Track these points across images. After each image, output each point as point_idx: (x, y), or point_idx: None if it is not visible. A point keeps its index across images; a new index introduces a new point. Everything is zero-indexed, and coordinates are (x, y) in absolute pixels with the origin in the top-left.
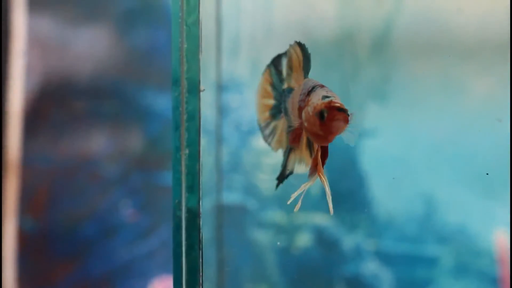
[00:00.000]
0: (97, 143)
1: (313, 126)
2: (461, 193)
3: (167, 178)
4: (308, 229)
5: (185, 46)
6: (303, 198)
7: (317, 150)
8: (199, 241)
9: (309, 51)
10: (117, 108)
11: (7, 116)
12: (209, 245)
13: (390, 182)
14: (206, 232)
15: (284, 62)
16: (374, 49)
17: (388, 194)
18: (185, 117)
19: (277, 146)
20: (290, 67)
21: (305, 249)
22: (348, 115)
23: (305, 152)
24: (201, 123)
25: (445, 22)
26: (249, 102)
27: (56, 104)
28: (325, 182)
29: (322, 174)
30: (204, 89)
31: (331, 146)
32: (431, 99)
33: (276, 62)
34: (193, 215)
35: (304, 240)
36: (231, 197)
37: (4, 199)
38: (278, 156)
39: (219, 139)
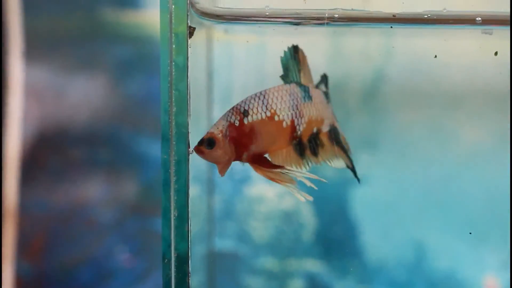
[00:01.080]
0: (92, 189)
1: None
2: (451, 239)
3: None
4: (300, 275)
5: (174, 109)
6: (294, 245)
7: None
8: None
9: None
10: (112, 155)
11: (4, 163)
12: None
13: (380, 228)
14: (199, 279)
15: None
16: (364, 99)
17: (378, 241)
18: (174, 179)
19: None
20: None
21: None
22: (202, 146)
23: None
24: (195, 171)
25: (434, 73)
26: None
27: (52, 152)
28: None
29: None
30: (192, 152)
31: (323, 194)
32: (420, 147)
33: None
34: (183, 274)
35: (296, 286)
36: (223, 244)
37: (1, 245)
38: (270, 204)
39: (211, 188)
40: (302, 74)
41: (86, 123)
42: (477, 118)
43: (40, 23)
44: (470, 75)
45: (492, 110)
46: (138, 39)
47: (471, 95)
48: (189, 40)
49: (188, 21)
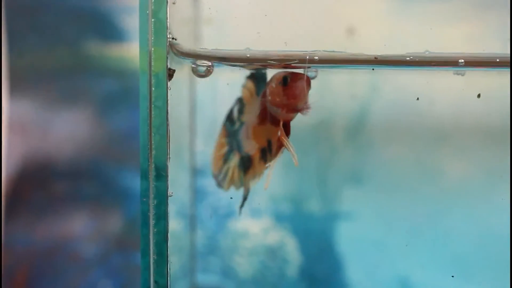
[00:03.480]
0: (77, 224)
1: (277, 95)
2: (437, 276)
3: None
4: None
5: (154, 153)
6: (279, 281)
7: (280, 125)
8: None
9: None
10: (97, 190)
11: None
12: None
13: (366, 265)
14: None
15: (235, 108)
16: (350, 135)
17: (364, 277)
18: (153, 222)
19: (229, 185)
20: (241, 105)
21: None
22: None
23: (258, 167)
24: (178, 206)
25: (419, 110)
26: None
27: (36, 187)
28: (287, 143)
29: (285, 137)
30: (172, 194)
31: (308, 229)
32: (406, 183)
33: (229, 114)
34: None
35: None
36: (207, 280)
37: None
38: (255, 240)
39: (194, 223)
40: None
41: (70, 157)
42: (463, 154)
43: (24, 57)
44: (454, 112)
45: (479, 146)
46: (122, 73)
47: (457, 131)
48: (169, 83)
49: (168, 63)
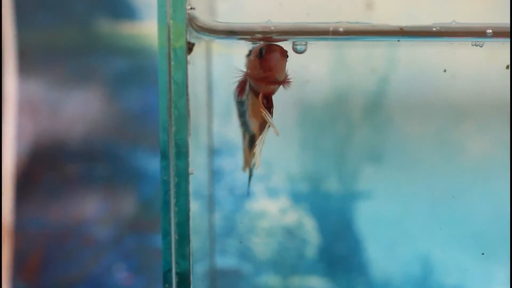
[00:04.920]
0: (89, 206)
1: (255, 68)
2: (458, 254)
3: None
4: None
5: (174, 128)
6: (298, 262)
7: (259, 97)
8: None
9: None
10: (109, 171)
11: None
12: None
13: (386, 244)
14: None
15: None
16: (368, 111)
17: (384, 256)
18: (174, 201)
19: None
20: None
21: None
22: (286, 51)
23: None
24: (195, 186)
25: (440, 85)
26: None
27: (48, 168)
28: (265, 114)
29: (263, 109)
30: (193, 172)
31: (326, 209)
32: (426, 160)
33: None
34: None
35: None
36: (225, 262)
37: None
38: (273, 220)
39: (212, 203)
40: None
41: (82, 138)
42: (484, 130)
43: (34, 36)
44: (477, 87)
45: (500, 123)
46: (134, 51)
47: (478, 107)
48: (188, 57)
49: (187, 37)
